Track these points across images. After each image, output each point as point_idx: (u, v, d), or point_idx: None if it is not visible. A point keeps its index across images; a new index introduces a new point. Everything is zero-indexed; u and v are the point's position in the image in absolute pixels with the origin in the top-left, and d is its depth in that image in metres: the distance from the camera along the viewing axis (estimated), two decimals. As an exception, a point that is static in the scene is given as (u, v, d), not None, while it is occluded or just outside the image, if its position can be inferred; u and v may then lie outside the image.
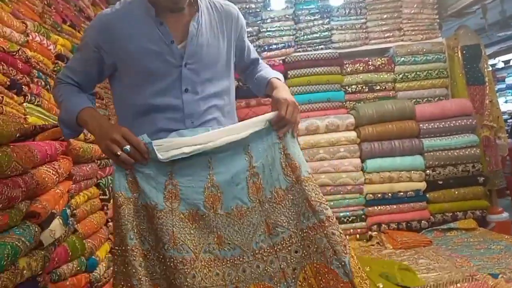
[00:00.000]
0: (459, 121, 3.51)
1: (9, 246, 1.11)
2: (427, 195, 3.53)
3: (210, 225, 1.19)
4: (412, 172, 3.50)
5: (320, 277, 1.17)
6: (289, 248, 1.21)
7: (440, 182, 3.53)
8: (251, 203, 1.23)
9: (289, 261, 1.20)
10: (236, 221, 1.21)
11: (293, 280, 1.19)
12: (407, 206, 3.52)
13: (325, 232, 1.18)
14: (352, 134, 3.55)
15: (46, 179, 1.38)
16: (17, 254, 1.14)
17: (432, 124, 3.53)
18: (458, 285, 2.40)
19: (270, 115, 1.26)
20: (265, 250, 1.21)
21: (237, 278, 1.18)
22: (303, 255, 1.21)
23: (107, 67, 1.27)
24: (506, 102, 7.84)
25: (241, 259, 1.20)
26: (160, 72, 1.23)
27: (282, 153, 1.24)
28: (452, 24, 4.61)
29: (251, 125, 1.24)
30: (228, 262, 1.19)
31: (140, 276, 1.10)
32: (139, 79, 1.24)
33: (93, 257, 1.81)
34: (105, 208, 2.04)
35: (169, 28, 1.24)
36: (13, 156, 1.16)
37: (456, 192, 3.52)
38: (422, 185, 3.51)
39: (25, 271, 1.19)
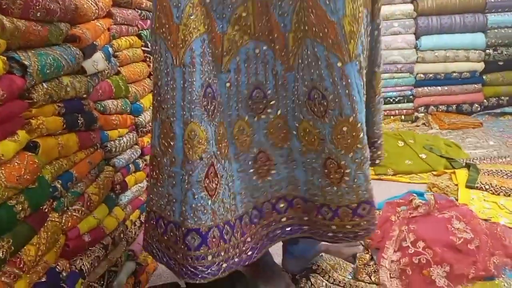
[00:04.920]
0: (535, -6, 3.11)
1: (51, 57, 1.10)
2: (484, 77, 3.29)
3: None
4: (471, 51, 3.22)
5: None
6: None
7: (501, 63, 3.26)
8: None
9: None
10: None
11: None
12: (460, 88, 3.31)
13: None
14: (409, 7, 3.25)
15: (85, 6, 1.34)
16: (60, 68, 1.14)
17: (502, -4, 3.15)
18: (508, 158, 2.31)
19: None
20: None
21: None
22: None
23: None
24: None
25: None
26: None
27: None
28: None
29: None
30: None
31: None
32: None
33: (138, 103, 1.83)
34: (148, 60, 2.02)
35: None
36: (49, -34, 1.10)
37: (517, 75, 3.26)
38: (480, 66, 3.25)
39: (68, 88, 1.20)
